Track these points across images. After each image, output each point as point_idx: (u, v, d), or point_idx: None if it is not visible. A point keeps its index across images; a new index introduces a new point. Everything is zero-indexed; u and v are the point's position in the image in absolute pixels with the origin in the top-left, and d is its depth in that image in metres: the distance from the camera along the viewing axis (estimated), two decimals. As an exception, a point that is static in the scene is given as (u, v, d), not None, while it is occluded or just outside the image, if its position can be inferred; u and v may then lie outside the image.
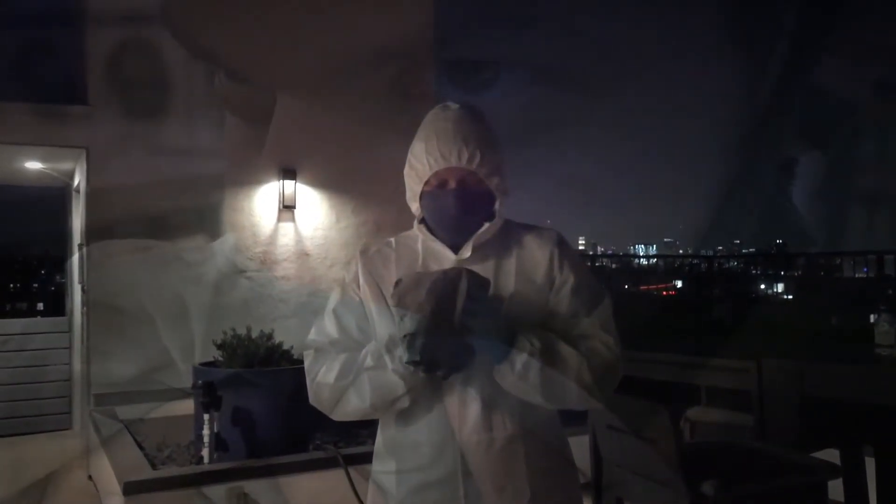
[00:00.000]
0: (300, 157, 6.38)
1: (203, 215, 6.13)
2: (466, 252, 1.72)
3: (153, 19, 5.80)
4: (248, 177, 6.28)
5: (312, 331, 1.82)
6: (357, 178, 6.56)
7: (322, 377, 1.73)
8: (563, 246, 1.77)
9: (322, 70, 5.71)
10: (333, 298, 1.82)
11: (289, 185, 6.32)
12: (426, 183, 1.74)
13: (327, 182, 6.51)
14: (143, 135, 6.05)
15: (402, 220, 1.96)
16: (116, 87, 6.00)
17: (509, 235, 1.78)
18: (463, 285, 1.54)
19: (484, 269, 1.71)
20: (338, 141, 6.42)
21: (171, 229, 6.01)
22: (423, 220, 1.80)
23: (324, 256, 6.48)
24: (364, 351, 1.70)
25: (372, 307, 1.75)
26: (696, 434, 3.51)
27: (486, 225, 1.73)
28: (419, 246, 1.79)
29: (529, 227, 1.80)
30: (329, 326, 1.78)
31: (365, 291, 1.76)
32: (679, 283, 15.12)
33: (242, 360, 4.45)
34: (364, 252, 1.83)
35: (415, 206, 1.80)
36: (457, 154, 1.69)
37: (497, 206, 1.76)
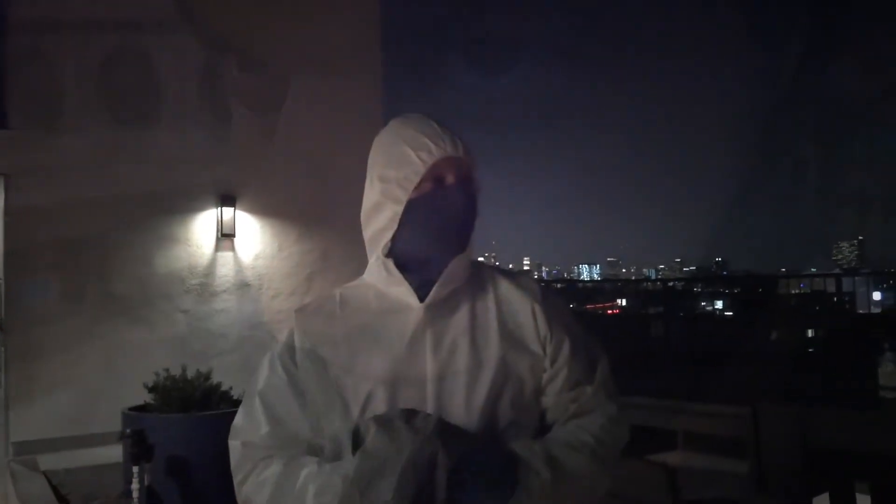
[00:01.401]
0: (239, 183, 6.13)
1: (133, 244, 5.74)
2: (436, 294, 1.39)
3: (72, 33, 5.50)
4: (184, 203, 5.95)
5: (238, 414, 1.45)
6: (300, 204, 6.36)
7: (249, 491, 1.38)
8: (547, 299, 1.47)
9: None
10: (262, 375, 1.45)
11: (227, 211, 6.06)
12: (415, 189, 1.39)
13: (268, 209, 6.29)
14: (66, 158, 5.58)
15: (351, 248, 1.63)
16: (36, 110, 5.57)
17: (481, 278, 1.47)
18: (441, 474, 1.18)
19: (457, 320, 1.40)
20: (279, 165, 6.19)
21: (98, 259, 5.60)
22: (388, 255, 1.43)
23: (265, 287, 6.24)
24: (304, 476, 1.32)
25: (312, 387, 1.40)
26: (681, 484, 3.26)
27: (455, 259, 1.40)
28: (371, 296, 1.45)
29: (502, 272, 1.51)
30: (258, 415, 1.41)
31: (304, 367, 1.41)
32: (623, 302, 15.15)
33: (177, 403, 4.20)
34: (300, 311, 1.47)
35: (384, 240, 1.43)
36: (450, 142, 1.40)
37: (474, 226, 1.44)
